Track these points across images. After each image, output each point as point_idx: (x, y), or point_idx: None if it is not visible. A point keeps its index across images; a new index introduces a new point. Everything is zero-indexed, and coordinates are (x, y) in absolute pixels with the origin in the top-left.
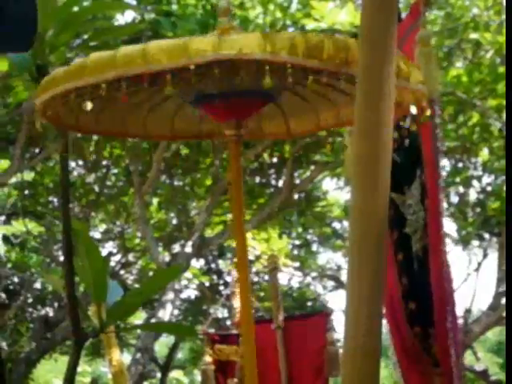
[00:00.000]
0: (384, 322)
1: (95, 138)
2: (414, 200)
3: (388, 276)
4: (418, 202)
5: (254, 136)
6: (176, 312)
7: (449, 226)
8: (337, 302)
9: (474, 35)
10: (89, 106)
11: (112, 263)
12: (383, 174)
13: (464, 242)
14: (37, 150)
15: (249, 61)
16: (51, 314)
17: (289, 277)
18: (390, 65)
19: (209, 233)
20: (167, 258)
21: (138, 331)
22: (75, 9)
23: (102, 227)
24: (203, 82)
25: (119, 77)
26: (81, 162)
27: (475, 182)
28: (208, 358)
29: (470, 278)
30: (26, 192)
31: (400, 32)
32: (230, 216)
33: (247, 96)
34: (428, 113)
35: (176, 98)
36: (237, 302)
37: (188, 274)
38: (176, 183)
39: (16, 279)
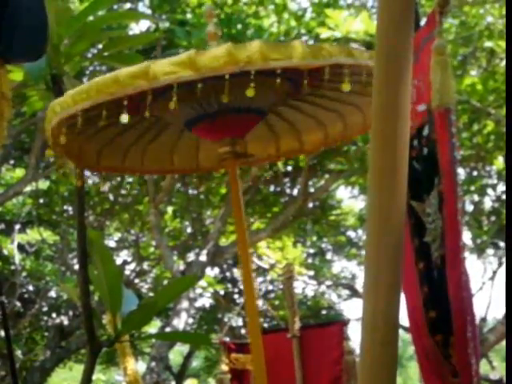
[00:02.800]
0: (401, 332)
1: None
2: (432, 209)
3: (409, 284)
4: (436, 211)
5: (270, 159)
6: (190, 320)
7: (464, 234)
8: (351, 310)
9: (488, 43)
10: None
11: (127, 272)
12: (400, 185)
13: (479, 250)
14: (51, 159)
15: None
16: (66, 322)
17: (303, 285)
18: (407, 77)
19: (223, 241)
20: (182, 266)
21: (153, 340)
22: (90, 18)
23: (117, 236)
24: (189, 104)
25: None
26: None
27: (490, 191)
28: (224, 367)
29: (485, 286)
30: (41, 201)
31: (417, 41)
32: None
33: (243, 113)
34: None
35: (171, 133)
36: None
37: (203, 283)
38: (191, 192)
39: (31, 288)
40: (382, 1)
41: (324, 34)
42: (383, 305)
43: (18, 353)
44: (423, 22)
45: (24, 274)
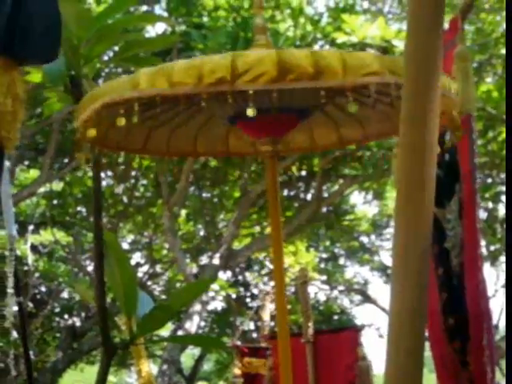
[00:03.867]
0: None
1: None
2: (453, 215)
3: (429, 290)
4: (456, 218)
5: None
6: (202, 324)
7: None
8: (363, 316)
9: (504, 50)
10: (122, 122)
11: (139, 274)
12: (428, 191)
13: (492, 257)
14: (66, 160)
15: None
16: (78, 323)
17: (316, 290)
18: (436, 85)
19: (236, 245)
20: (195, 269)
21: (165, 343)
22: (109, 21)
23: (130, 238)
24: (242, 100)
25: (174, 93)
26: (110, 173)
27: (504, 198)
28: (237, 371)
29: (498, 294)
30: (55, 202)
31: None
32: (257, 228)
33: (285, 113)
34: (461, 131)
35: (201, 116)
36: (266, 315)
37: (215, 286)
38: (204, 195)
39: (43, 288)
40: (411, 5)
41: (340, 38)
42: (409, 314)
43: (30, 353)
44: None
45: (37, 274)
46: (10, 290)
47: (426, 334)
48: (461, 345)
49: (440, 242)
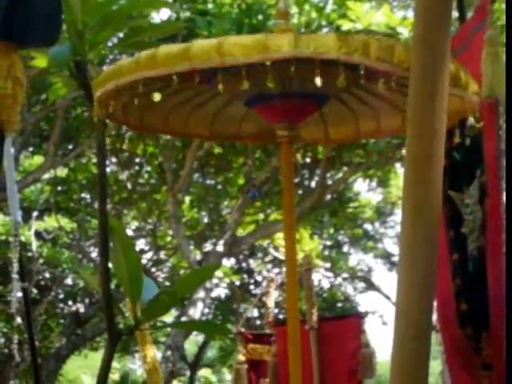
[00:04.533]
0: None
1: (129, 134)
2: (472, 200)
3: (441, 276)
4: (475, 202)
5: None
6: (206, 310)
7: None
8: (367, 303)
9: None
10: (157, 97)
11: (143, 261)
12: (436, 180)
13: None
14: (70, 147)
15: (322, 61)
16: (82, 310)
17: (319, 277)
18: (444, 70)
19: (240, 232)
20: (198, 256)
21: (169, 329)
22: (114, 7)
23: (134, 224)
24: (263, 82)
25: (193, 69)
26: (114, 159)
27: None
28: (241, 357)
29: None
30: (59, 188)
31: (466, 31)
32: (261, 216)
33: (305, 98)
34: (480, 124)
35: (219, 98)
36: (270, 302)
37: (219, 273)
38: (208, 182)
39: (47, 275)
40: None
41: (345, 26)
42: (417, 299)
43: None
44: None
45: (41, 261)
46: (15, 276)
47: (436, 319)
48: (473, 331)
49: (456, 226)
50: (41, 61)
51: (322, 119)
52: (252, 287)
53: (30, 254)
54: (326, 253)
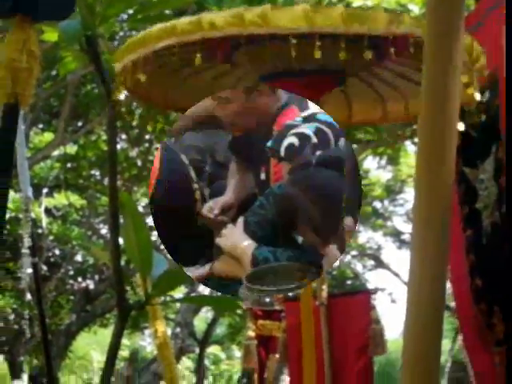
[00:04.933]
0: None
1: (139, 111)
2: (486, 175)
3: (455, 252)
4: (490, 178)
5: None
6: None
7: None
8: (376, 281)
9: None
10: (197, 61)
11: (153, 238)
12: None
13: None
14: (80, 124)
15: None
16: (92, 286)
17: None
18: (458, 43)
19: None
20: None
21: (178, 306)
22: None
23: (144, 201)
24: (281, 58)
25: (246, 35)
26: (124, 136)
27: None
28: (251, 333)
29: None
30: (69, 165)
31: (480, 10)
32: None
33: (323, 74)
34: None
35: (236, 72)
36: None
37: None
38: None
39: (57, 251)
40: None
41: (356, 2)
42: (429, 277)
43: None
44: None
45: (51, 237)
46: (26, 251)
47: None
48: (487, 307)
49: (471, 202)
50: (51, 34)
51: (346, 100)
52: None
53: (39, 231)
54: None
